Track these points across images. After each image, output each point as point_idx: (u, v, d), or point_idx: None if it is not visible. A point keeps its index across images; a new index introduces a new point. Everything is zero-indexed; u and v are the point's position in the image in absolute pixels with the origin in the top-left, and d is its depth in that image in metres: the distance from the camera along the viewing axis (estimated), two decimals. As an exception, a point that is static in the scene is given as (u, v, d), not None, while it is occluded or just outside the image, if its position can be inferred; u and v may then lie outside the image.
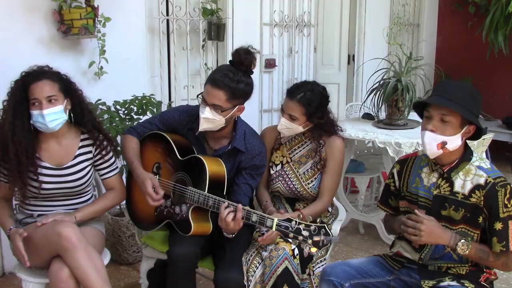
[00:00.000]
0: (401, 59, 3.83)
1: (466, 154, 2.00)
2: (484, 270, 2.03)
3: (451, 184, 1.99)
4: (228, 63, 2.32)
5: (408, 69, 3.75)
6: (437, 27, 6.68)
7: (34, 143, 2.24)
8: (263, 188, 2.57)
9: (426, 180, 2.06)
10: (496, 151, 5.55)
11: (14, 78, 2.29)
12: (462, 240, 1.90)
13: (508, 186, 1.91)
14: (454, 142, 1.93)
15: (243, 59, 2.24)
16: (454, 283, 1.96)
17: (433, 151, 1.94)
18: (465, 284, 1.96)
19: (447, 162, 2.00)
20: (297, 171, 2.51)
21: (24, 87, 2.19)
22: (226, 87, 2.20)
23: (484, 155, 3.81)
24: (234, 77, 2.21)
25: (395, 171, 2.19)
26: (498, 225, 1.90)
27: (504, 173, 6.05)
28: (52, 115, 2.18)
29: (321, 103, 2.44)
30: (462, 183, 1.97)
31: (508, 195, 1.90)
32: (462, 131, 1.93)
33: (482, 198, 1.93)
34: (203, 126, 2.27)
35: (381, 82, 3.75)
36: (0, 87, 2.43)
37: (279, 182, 2.52)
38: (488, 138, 3.61)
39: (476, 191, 1.94)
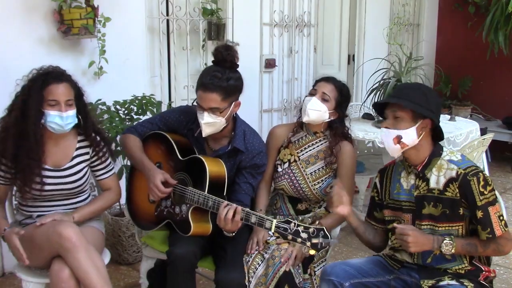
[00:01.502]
0: (401, 59, 3.83)
1: (435, 150, 2.05)
2: (483, 268, 2.03)
3: (427, 182, 2.03)
4: (211, 63, 2.32)
5: (408, 69, 3.75)
6: (437, 27, 6.68)
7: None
8: (262, 191, 2.54)
9: (406, 184, 2.09)
10: (496, 151, 5.57)
11: (14, 78, 2.29)
12: (445, 240, 1.93)
13: (480, 173, 1.95)
14: (409, 135, 1.99)
15: (225, 56, 2.25)
16: (453, 282, 1.96)
17: (391, 147, 2.01)
18: (465, 283, 1.96)
19: (418, 161, 2.05)
20: (304, 171, 2.49)
21: (42, 86, 2.19)
22: (218, 88, 2.20)
23: (484, 155, 3.82)
24: (222, 76, 2.21)
25: (377, 180, 2.23)
26: (479, 213, 1.93)
27: (504, 173, 6.03)
28: (70, 118, 2.22)
29: (348, 97, 2.52)
30: (436, 178, 2.01)
31: (482, 182, 1.93)
32: (416, 125, 1.99)
33: (457, 190, 1.96)
34: (206, 131, 2.26)
35: (381, 82, 3.76)
36: (0, 86, 2.44)
37: (285, 180, 2.50)
38: (488, 138, 3.62)
39: (450, 185, 1.97)
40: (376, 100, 3.72)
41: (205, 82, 2.21)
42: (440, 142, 2.11)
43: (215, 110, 2.22)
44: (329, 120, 2.47)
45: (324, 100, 2.44)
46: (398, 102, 1.99)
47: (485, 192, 1.93)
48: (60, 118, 2.19)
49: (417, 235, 1.95)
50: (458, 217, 1.98)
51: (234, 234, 2.16)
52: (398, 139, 1.99)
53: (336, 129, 2.48)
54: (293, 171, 2.50)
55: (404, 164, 2.12)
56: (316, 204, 2.53)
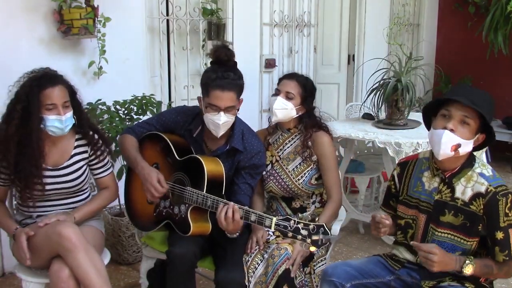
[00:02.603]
0: (401, 59, 3.83)
1: (468, 160, 1.97)
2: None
3: (452, 190, 1.97)
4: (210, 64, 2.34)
5: (408, 69, 3.75)
6: (437, 27, 6.68)
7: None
8: (257, 196, 2.56)
9: (428, 185, 2.04)
10: (496, 151, 5.55)
11: (14, 78, 2.29)
12: (467, 261, 1.89)
13: (510, 195, 1.89)
14: (467, 147, 1.90)
15: (229, 55, 2.28)
16: (454, 283, 1.96)
17: (446, 151, 1.89)
18: (466, 284, 1.96)
19: (450, 167, 1.98)
20: (286, 168, 2.51)
21: (38, 91, 2.17)
22: (234, 87, 2.24)
23: (484, 155, 3.81)
24: (235, 76, 2.25)
25: (395, 173, 2.18)
26: (500, 235, 1.88)
27: (504, 173, 6.03)
28: (69, 120, 2.23)
29: (312, 91, 2.55)
30: (463, 189, 1.95)
31: (509, 204, 1.87)
32: (475, 138, 1.92)
33: (482, 207, 1.90)
34: (221, 130, 2.26)
35: (381, 82, 3.76)
36: (0, 86, 2.43)
37: (271, 181, 2.53)
38: (488, 138, 3.60)
39: (477, 199, 1.91)
40: (376, 101, 3.72)
41: (222, 82, 2.21)
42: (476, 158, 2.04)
43: (231, 109, 2.24)
44: (298, 115, 2.51)
45: (288, 98, 2.47)
46: (479, 110, 1.86)
47: (510, 214, 1.88)
48: (60, 122, 2.19)
49: (443, 254, 1.89)
50: (476, 232, 1.94)
51: (237, 234, 2.16)
52: (457, 147, 1.88)
53: (306, 123, 2.51)
54: (277, 171, 2.53)
55: (430, 164, 2.04)
56: (309, 199, 2.54)
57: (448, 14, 6.53)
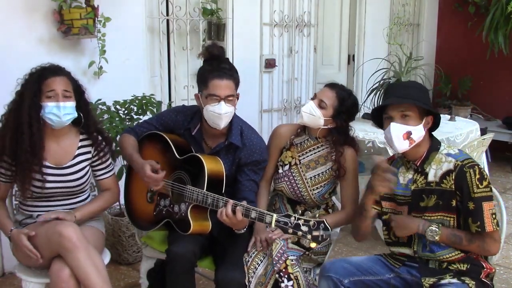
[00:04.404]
0: (401, 59, 3.83)
1: (433, 145, 2.10)
2: (484, 265, 2.04)
3: (426, 176, 2.07)
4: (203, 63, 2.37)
5: (408, 69, 3.75)
6: (437, 27, 6.68)
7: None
8: (262, 190, 2.51)
9: (402, 179, 2.13)
10: (496, 151, 5.56)
11: (14, 78, 2.30)
12: (431, 227, 1.98)
13: (477, 167, 1.98)
14: (418, 132, 2.03)
15: (221, 51, 2.36)
16: (455, 280, 1.97)
17: (400, 142, 2.03)
18: (466, 281, 1.96)
19: (417, 156, 2.09)
20: (304, 175, 2.46)
21: (39, 80, 2.21)
22: (231, 77, 2.28)
23: (484, 155, 3.82)
24: (230, 68, 2.30)
25: None
26: (471, 205, 1.96)
27: (504, 173, 6.02)
28: (68, 109, 2.22)
29: (351, 109, 2.44)
30: (434, 172, 2.05)
31: (478, 175, 1.96)
32: (423, 122, 2.04)
33: (453, 182, 1.99)
34: (224, 121, 2.26)
35: (381, 82, 3.76)
36: (0, 86, 2.44)
37: (284, 182, 2.49)
38: (488, 138, 3.62)
39: (447, 176, 2.01)
40: (376, 101, 3.72)
41: (219, 72, 2.25)
42: (441, 142, 2.13)
43: (231, 99, 2.26)
44: (327, 127, 2.43)
45: (320, 107, 2.40)
46: (408, 102, 2.03)
47: (480, 186, 1.96)
48: (57, 109, 2.19)
49: (401, 218, 2.07)
50: (450, 208, 2.02)
51: (245, 229, 2.16)
52: (408, 135, 2.02)
53: (335, 138, 2.43)
54: (293, 174, 2.48)
55: (402, 160, 2.16)
56: (314, 208, 2.53)
57: (448, 14, 6.53)
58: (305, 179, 2.46)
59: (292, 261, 2.21)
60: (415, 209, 2.09)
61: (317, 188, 2.45)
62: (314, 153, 2.49)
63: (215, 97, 2.24)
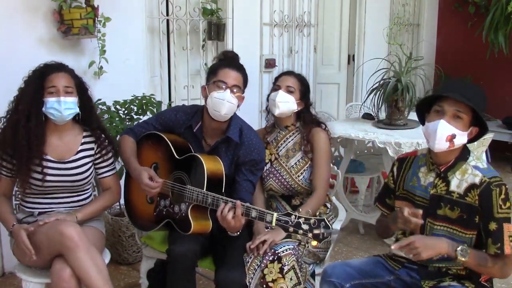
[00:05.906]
0: (401, 59, 3.83)
1: (463, 154, 2.01)
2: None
3: (448, 184, 1.99)
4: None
5: (408, 69, 3.75)
6: (437, 27, 6.68)
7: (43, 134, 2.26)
8: (258, 195, 2.53)
9: (423, 180, 2.06)
10: (496, 151, 5.55)
11: (14, 77, 2.30)
12: (461, 246, 1.88)
13: (503, 186, 1.91)
14: (462, 138, 1.94)
15: (235, 55, 2.48)
16: (454, 283, 1.96)
17: (441, 142, 1.92)
18: (466, 284, 1.96)
19: (445, 161, 2.00)
20: (286, 165, 2.53)
21: (42, 77, 2.23)
22: (240, 70, 2.34)
23: (484, 155, 3.81)
24: (242, 68, 2.38)
25: (395, 168, 2.20)
26: (493, 225, 1.89)
27: (504, 173, 6.03)
28: (69, 104, 2.24)
29: (308, 86, 2.65)
30: (458, 182, 1.97)
31: (503, 196, 1.89)
32: (468, 130, 1.96)
33: (477, 198, 1.92)
34: (227, 110, 2.28)
35: (381, 82, 3.76)
36: (0, 86, 2.44)
37: (271, 179, 2.54)
38: (488, 138, 3.61)
39: (471, 190, 1.93)
40: (376, 101, 3.72)
41: (230, 64, 2.34)
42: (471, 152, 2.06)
43: (237, 91, 2.30)
44: (297, 110, 2.56)
45: (289, 92, 2.53)
46: (470, 104, 1.90)
47: (503, 206, 1.89)
48: (58, 103, 2.20)
49: (422, 238, 1.91)
50: (473, 224, 1.94)
51: (238, 233, 2.16)
52: (452, 137, 1.92)
53: (305, 117, 2.58)
54: (276, 169, 2.54)
55: (427, 159, 2.07)
56: (309, 196, 2.53)
57: (448, 14, 6.53)
58: (288, 168, 2.53)
59: (288, 250, 2.21)
60: (430, 215, 2.00)
61: (301, 173, 2.51)
62: (288, 142, 2.58)
63: (222, 83, 2.28)
